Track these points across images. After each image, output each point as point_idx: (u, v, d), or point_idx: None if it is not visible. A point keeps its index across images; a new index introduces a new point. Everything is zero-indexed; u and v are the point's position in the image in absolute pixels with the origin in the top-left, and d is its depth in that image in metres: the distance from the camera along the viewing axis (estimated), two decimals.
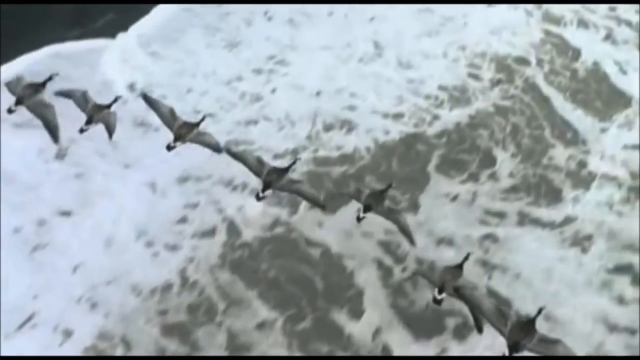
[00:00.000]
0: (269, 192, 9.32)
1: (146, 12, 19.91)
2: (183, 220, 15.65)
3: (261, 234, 15.50)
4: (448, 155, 17.01)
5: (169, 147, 9.55)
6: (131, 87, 18.07)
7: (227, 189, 16.25)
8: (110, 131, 9.57)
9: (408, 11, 19.85)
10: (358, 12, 20.02)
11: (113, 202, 15.86)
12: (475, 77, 18.43)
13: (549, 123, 17.55)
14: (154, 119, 18.65)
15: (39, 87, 9.29)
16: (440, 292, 8.46)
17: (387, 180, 16.63)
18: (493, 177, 16.62)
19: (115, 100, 9.65)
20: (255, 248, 15.27)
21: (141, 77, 18.54)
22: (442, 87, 18.23)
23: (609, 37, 19.36)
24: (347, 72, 18.63)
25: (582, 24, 19.73)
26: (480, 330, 8.32)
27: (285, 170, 9.35)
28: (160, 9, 19.99)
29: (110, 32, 19.33)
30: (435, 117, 17.64)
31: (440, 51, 18.99)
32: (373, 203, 9.13)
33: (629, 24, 19.55)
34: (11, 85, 9.41)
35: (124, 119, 18.28)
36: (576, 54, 18.91)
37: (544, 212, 15.97)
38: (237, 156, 9.72)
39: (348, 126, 17.58)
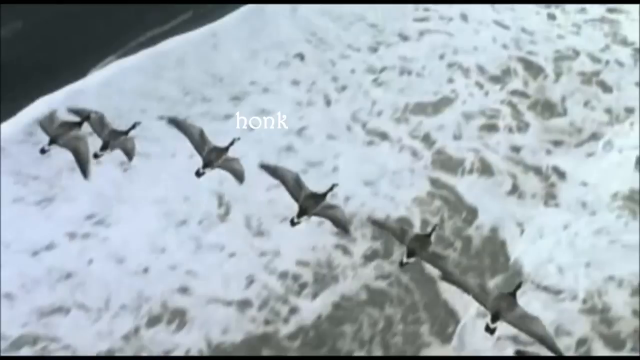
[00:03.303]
0: (304, 218, 8.91)
1: None
2: None
3: None
4: None
5: (198, 174, 9.22)
6: None
7: None
8: (129, 156, 9.33)
9: (264, 151, 16.02)
10: None
11: None
12: (344, 249, 14.61)
13: (429, 315, 13.81)
14: None
15: (74, 126, 9.05)
16: (494, 320, 7.93)
17: None
18: None
19: (134, 126, 9.27)
20: None
21: None
22: (302, 263, 14.41)
23: (514, 189, 15.66)
24: (182, 240, 14.74)
25: (484, 170, 16.00)
26: None
27: (323, 196, 8.88)
28: None
29: None
30: (293, 310, 13.81)
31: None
32: (417, 247, 8.58)
33: (537, 170, 15.91)
34: (44, 123, 9.12)
35: None
36: (471, 214, 15.12)
37: None
38: (274, 172, 9.34)
39: (179, 319, 13.77)
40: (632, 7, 20.17)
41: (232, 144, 9.31)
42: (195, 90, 17.39)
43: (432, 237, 8.68)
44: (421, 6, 19.73)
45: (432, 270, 14.38)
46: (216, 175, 15.88)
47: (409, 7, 19.70)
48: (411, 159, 15.95)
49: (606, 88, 18.00)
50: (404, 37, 18.86)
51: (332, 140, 16.22)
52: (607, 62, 18.70)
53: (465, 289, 8.11)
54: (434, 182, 15.49)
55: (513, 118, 16.95)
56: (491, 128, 16.74)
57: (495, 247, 14.61)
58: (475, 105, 17.16)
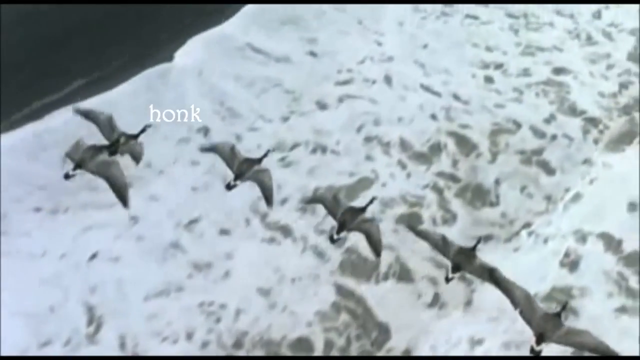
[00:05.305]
0: (343, 233, 8.69)
1: None
2: None
3: None
4: None
5: (229, 186, 8.98)
6: None
7: None
8: (137, 160, 8.90)
9: (145, 249, 13.80)
10: (81, 248, 13.90)
11: None
12: None
13: None
14: None
15: (101, 149, 8.60)
16: (539, 342, 7.60)
17: None
18: None
19: (144, 129, 8.99)
20: None
21: None
22: None
23: (436, 300, 13.29)
24: None
25: (401, 276, 13.56)
26: None
27: (363, 210, 8.69)
28: None
29: None
30: None
31: (181, 328, 12.91)
32: (463, 261, 8.27)
33: (461, 275, 13.64)
34: (72, 153, 8.62)
35: None
36: (383, 334, 12.81)
37: None
38: (313, 200, 9.99)
39: None
40: (582, 67, 17.85)
41: (265, 155, 9.05)
42: (79, 175, 15.19)
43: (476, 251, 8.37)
44: (345, 68, 17.52)
45: None
46: (87, 282, 13.86)
47: (333, 69, 17.49)
48: (316, 262, 13.65)
49: (548, 170, 15.62)
50: (322, 105, 16.64)
51: (225, 236, 13.99)
52: (553, 137, 16.30)
53: (513, 302, 7.85)
54: (341, 290, 13.26)
55: (439, 207, 14.64)
56: (412, 219, 14.49)
57: None
58: (395, 189, 14.85)
